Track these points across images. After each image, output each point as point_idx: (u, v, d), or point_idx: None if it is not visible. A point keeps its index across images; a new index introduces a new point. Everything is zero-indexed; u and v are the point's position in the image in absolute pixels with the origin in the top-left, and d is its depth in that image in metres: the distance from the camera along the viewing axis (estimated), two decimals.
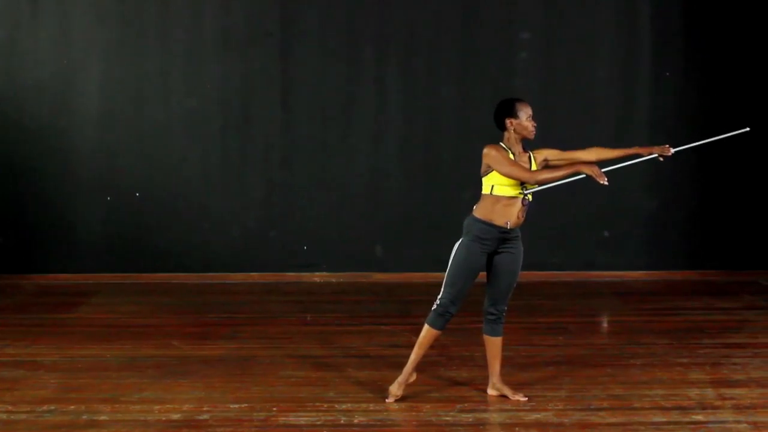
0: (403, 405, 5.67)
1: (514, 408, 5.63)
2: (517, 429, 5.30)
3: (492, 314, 5.78)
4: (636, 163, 5.93)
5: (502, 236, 5.63)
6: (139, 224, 9.82)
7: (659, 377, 6.24)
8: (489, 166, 5.60)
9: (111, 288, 9.42)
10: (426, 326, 5.75)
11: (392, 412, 5.57)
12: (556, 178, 5.55)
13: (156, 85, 9.82)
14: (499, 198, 5.60)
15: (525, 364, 6.53)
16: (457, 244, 5.68)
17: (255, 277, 9.84)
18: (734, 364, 6.57)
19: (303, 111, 9.86)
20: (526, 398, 5.76)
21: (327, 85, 9.86)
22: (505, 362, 5.95)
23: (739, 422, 5.40)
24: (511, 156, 5.61)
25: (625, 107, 9.94)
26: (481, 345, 5.94)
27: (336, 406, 5.65)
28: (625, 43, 9.91)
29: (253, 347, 7.09)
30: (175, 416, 5.50)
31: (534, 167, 5.67)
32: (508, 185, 5.58)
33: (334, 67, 9.85)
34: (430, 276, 8.91)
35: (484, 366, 5.99)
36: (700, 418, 5.46)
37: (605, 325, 8.24)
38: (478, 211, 5.65)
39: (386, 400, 5.75)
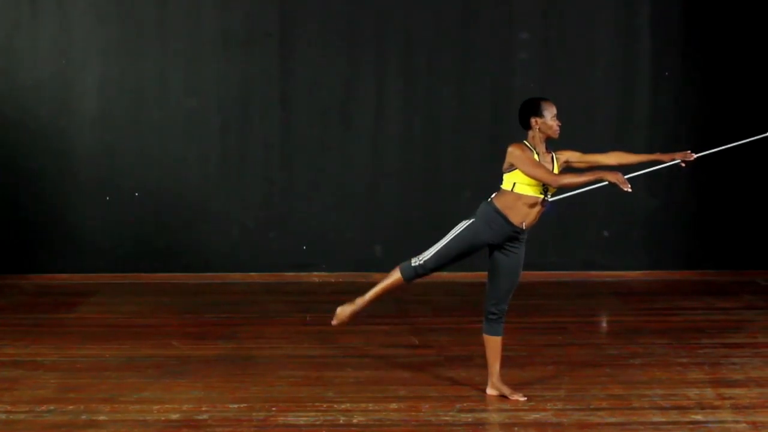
0: (402, 405, 5.67)
1: (513, 408, 5.63)
2: (516, 429, 5.30)
3: (493, 314, 5.79)
4: (642, 165, 5.93)
5: (512, 234, 5.64)
6: (139, 224, 9.82)
7: (658, 377, 6.24)
8: (512, 165, 5.59)
9: (110, 288, 9.42)
10: (398, 273, 5.81)
11: (391, 411, 5.57)
12: (579, 184, 5.55)
13: (155, 85, 9.82)
14: (520, 196, 5.59)
15: (524, 363, 6.53)
16: (466, 221, 5.68)
17: (254, 277, 9.84)
18: (733, 363, 6.57)
19: (302, 111, 9.86)
20: (525, 398, 5.76)
21: (326, 85, 9.86)
22: (505, 362, 5.95)
23: (738, 422, 5.40)
24: (536, 156, 5.60)
25: (624, 108, 9.94)
26: (480, 345, 5.94)
27: (335, 405, 5.65)
28: (625, 44, 9.90)
29: (252, 347, 7.09)
30: (174, 416, 5.50)
31: (556, 168, 5.67)
32: (529, 185, 5.58)
33: (333, 68, 9.85)
34: (430, 276, 8.89)
35: (483, 366, 5.99)
36: (699, 417, 5.46)
37: (604, 325, 8.25)
38: (498, 202, 5.64)
39: (332, 322, 5.87)
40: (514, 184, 5.60)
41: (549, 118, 5.68)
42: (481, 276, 5.79)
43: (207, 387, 6.04)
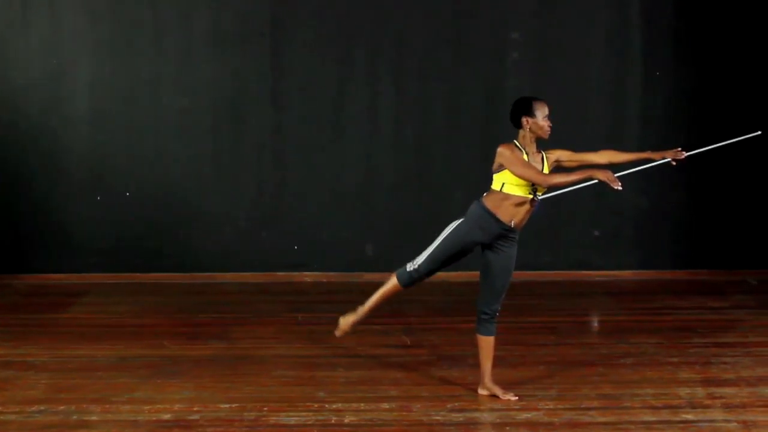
0: (393, 404, 5.67)
1: (504, 407, 5.64)
2: (507, 428, 5.30)
3: (485, 314, 5.79)
4: (632, 163, 5.94)
5: (502, 232, 5.65)
6: (130, 224, 9.80)
7: (649, 376, 6.25)
8: (501, 165, 5.60)
9: (101, 288, 9.40)
10: (394, 280, 5.82)
11: (383, 411, 5.57)
12: (569, 183, 5.55)
13: (147, 85, 9.80)
14: (508, 196, 5.61)
15: (516, 363, 6.54)
16: (456, 223, 5.70)
17: (246, 276, 9.83)
18: (724, 363, 6.59)
19: (294, 111, 9.86)
20: (517, 398, 5.76)
21: (318, 85, 9.85)
22: (496, 362, 5.95)
23: (728, 421, 5.41)
24: (525, 156, 5.61)
25: (616, 107, 9.95)
26: (472, 344, 5.94)
27: (327, 405, 5.66)
28: (616, 43, 9.91)
29: (244, 347, 7.09)
30: (166, 416, 5.50)
31: (546, 167, 5.68)
32: (518, 185, 5.59)
33: (325, 67, 9.84)
34: None
35: (475, 365, 6.00)
36: (690, 417, 5.47)
37: (596, 324, 8.26)
38: (487, 201, 5.66)
39: (336, 333, 5.89)
40: (503, 184, 5.62)
41: (540, 118, 5.69)
42: (474, 276, 5.79)
43: (198, 387, 6.04)
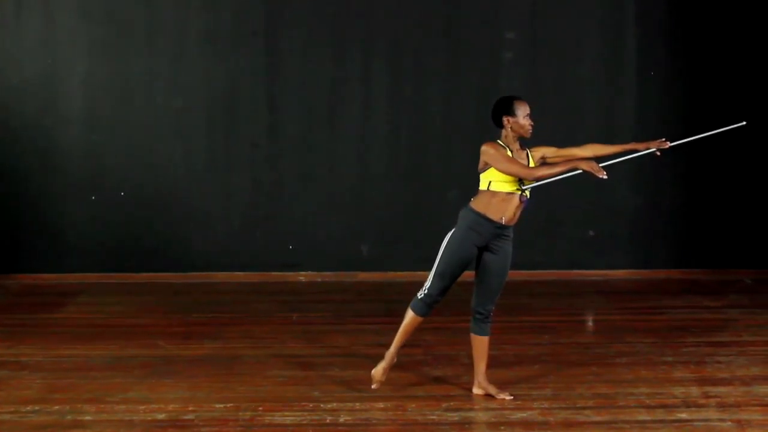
0: (388, 404, 5.67)
1: (499, 407, 5.64)
2: (502, 428, 5.31)
3: (480, 313, 5.80)
4: (626, 160, 5.95)
5: (495, 231, 5.65)
6: (125, 223, 9.79)
7: (644, 376, 6.26)
8: (486, 164, 5.61)
9: (96, 288, 9.40)
10: (411, 313, 5.78)
11: (377, 411, 5.57)
12: (554, 174, 5.58)
13: (141, 85, 9.80)
14: (496, 193, 5.62)
15: (510, 362, 6.54)
16: (449, 234, 5.70)
17: (240, 276, 9.83)
18: (718, 362, 6.60)
19: (289, 110, 9.85)
20: (512, 397, 5.77)
21: (313, 84, 9.85)
22: (491, 361, 5.96)
23: (723, 420, 5.42)
24: (509, 153, 5.63)
25: (610, 106, 9.96)
26: (467, 344, 5.95)
27: (321, 405, 5.65)
28: (610, 43, 9.92)
29: (239, 347, 7.09)
30: (161, 416, 5.49)
31: (532, 165, 5.69)
32: (505, 181, 5.60)
33: (320, 67, 9.84)
34: (416, 275, 8.85)
35: (469, 365, 6.00)
36: (684, 416, 5.48)
37: (590, 323, 8.26)
38: (475, 204, 5.67)
39: (372, 387, 5.79)
40: (490, 182, 5.63)
41: (521, 117, 5.69)
42: (468, 275, 5.79)
43: (193, 387, 6.03)
